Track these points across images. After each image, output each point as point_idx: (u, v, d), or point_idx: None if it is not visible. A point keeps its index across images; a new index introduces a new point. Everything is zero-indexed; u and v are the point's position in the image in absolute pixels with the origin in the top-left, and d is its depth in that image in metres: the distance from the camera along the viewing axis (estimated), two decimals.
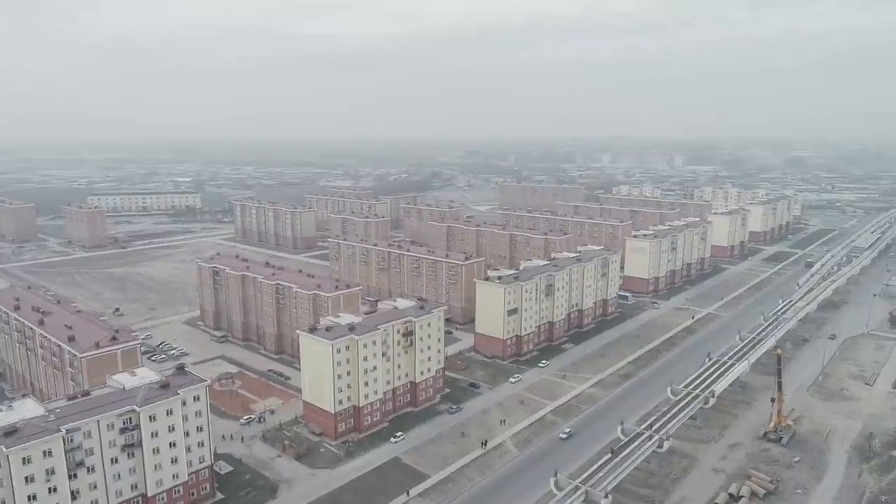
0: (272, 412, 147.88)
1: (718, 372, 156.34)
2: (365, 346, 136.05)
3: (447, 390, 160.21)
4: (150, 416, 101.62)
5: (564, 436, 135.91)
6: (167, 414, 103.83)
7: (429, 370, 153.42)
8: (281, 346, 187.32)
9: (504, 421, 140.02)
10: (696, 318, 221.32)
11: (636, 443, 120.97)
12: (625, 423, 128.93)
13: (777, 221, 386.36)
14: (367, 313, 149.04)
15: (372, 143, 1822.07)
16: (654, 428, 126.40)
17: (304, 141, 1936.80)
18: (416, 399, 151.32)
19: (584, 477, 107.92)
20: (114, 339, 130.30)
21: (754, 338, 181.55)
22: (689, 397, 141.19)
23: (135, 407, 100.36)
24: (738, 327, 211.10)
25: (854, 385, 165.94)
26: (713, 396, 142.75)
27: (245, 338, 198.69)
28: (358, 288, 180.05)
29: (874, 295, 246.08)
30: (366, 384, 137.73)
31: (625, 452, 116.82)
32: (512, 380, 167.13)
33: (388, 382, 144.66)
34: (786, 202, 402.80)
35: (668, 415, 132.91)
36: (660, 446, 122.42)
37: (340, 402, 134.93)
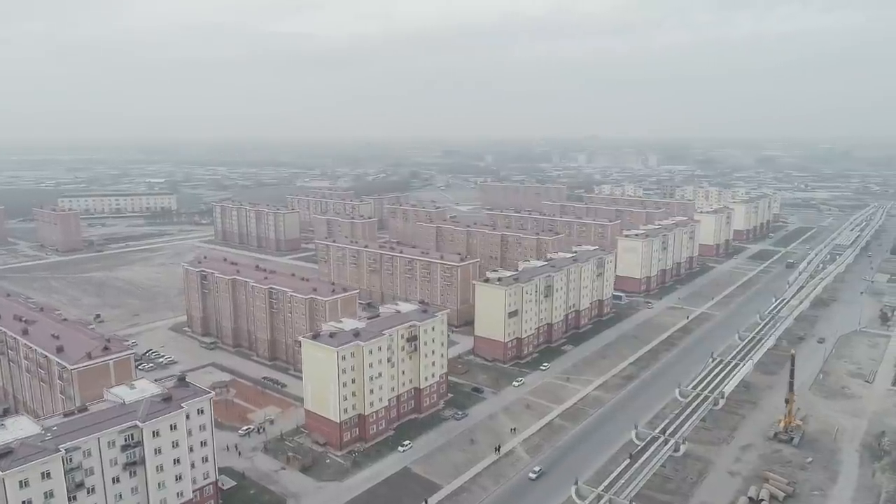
0: (271, 422, 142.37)
1: (724, 372, 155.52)
2: (370, 352, 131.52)
3: (450, 395, 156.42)
4: (153, 432, 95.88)
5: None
6: (171, 429, 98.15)
7: (433, 375, 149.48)
8: (275, 353, 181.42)
9: (514, 429, 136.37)
10: (690, 318, 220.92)
11: (653, 447, 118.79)
12: (638, 427, 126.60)
13: (759, 220, 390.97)
14: (369, 318, 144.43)
15: (348, 142, 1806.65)
16: (668, 431, 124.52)
17: (279, 141, 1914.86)
18: (421, 405, 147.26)
19: (605, 484, 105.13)
20: (106, 349, 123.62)
21: (754, 337, 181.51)
22: (700, 399, 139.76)
23: (137, 422, 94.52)
24: (733, 326, 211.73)
25: (854, 383, 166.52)
26: (723, 397, 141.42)
27: (236, 344, 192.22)
28: (355, 291, 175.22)
29: (861, 293, 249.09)
30: (371, 392, 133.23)
31: (643, 458, 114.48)
32: (515, 383, 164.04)
33: (393, 389, 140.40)
34: (766, 201, 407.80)
35: (681, 417, 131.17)
36: (676, 450, 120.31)
37: (345, 410, 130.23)
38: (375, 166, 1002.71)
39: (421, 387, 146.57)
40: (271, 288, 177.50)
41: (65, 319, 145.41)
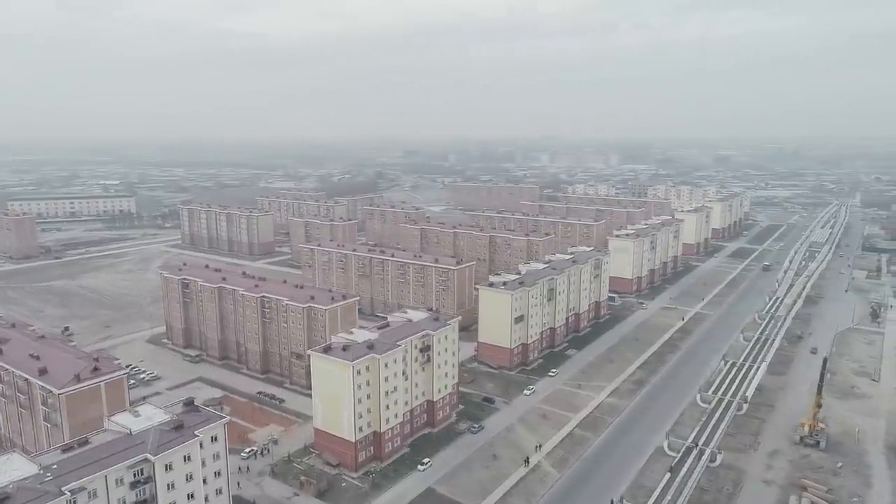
0: (275, 442, 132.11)
1: (741, 375, 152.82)
2: (386, 365, 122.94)
3: (461, 407, 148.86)
4: (165, 466, 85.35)
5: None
6: (184, 461, 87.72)
7: (446, 387, 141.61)
8: (267, 365, 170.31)
9: (539, 446, 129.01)
10: (686, 319, 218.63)
11: (690, 459, 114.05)
12: (670, 437, 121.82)
13: (732, 218, 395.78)
14: (380, 328, 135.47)
15: (307, 143, 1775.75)
16: (701, 441, 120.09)
17: (235, 141, 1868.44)
18: (434, 419, 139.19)
19: (651, 502, 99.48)
20: (95, 369, 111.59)
21: (759, 337, 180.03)
22: (723, 404, 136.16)
23: (147, 455, 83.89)
24: (731, 326, 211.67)
25: (861, 382, 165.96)
26: (746, 402, 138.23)
27: (223, 357, 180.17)
28: (355, 298, 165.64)
29: (845, 291, 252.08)
30: (387, 407, 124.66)
31: (683, 471, 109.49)
32: (526, 392, 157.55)
33: (406, 403, 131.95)
34: (739, 199, 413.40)
35: (711, 425, 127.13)
36: (712, 460, 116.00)
37: (360, 428, 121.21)
38: (338, 167, 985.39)
39: (434, 399, 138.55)
40: (264, 296, 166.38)
41: (42, 337, 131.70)
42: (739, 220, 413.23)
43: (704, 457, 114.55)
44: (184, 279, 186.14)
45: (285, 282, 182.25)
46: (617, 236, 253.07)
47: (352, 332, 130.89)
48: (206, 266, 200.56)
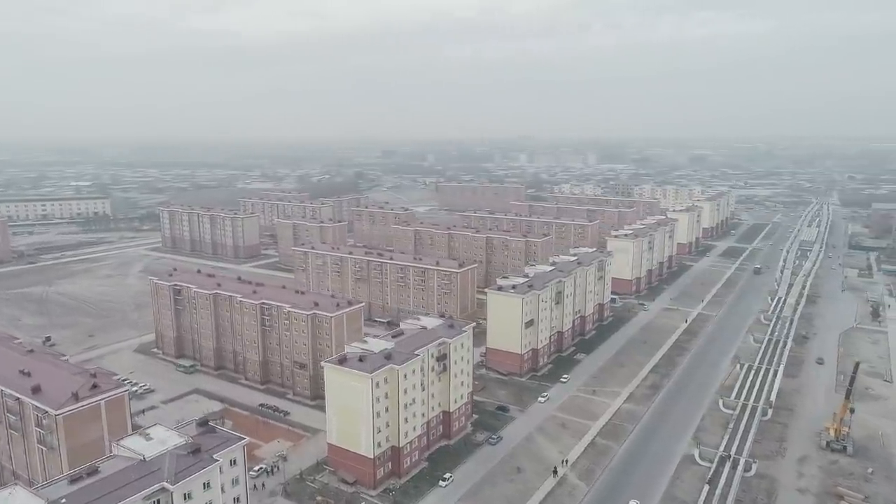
0: (284, 458, 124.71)
1: (759, 379, 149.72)
2: (405, 376, 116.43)
3: (475, 416, 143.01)
4: (184, 495, 77.78)
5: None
6: (204, 488, 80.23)
7: (461, 397, 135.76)
8: (267, 375, 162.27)
9: (567, 461, 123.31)
10: (689, 320, 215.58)
11: (725, 469, 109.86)
12: (700, 446, 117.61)
13: (720, 217, 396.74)
14: (394, 336, 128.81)
15: (283, 143, 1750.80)
16: (732, 449, 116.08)
17: (209, 141, 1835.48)
18: (450, 431, 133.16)
19: None
20: (95, 386, 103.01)
21: (770, 339, 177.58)
22: (748, 410, 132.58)
23: (165, 484, 76.27)
24: (735, 327, 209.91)
25: (875, 383, 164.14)
26: (771, 407, 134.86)
27: (218, 366, 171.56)
28: (361, 305, 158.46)
29: (842, 290, 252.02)
30: (406, 420, 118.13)
31: (721, 482, 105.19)
32: (541, 399, 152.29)
33: (423, 415, 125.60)
34: (725, 198, 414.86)
35: (739, 432, 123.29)
36: (747, 470, 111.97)
37: (379, 444, 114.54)
38: (316, 167, 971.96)
39: (450, 410, 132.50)
40: (264, 303, 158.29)
41: (31, 351, 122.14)
42: (726, 220, 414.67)
43: (740, 467, 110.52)
44: (175, 285, 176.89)
45: (284, 287, 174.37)
46: (616, 237, 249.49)
47: (366, 342, 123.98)
48: (198, 271, 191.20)
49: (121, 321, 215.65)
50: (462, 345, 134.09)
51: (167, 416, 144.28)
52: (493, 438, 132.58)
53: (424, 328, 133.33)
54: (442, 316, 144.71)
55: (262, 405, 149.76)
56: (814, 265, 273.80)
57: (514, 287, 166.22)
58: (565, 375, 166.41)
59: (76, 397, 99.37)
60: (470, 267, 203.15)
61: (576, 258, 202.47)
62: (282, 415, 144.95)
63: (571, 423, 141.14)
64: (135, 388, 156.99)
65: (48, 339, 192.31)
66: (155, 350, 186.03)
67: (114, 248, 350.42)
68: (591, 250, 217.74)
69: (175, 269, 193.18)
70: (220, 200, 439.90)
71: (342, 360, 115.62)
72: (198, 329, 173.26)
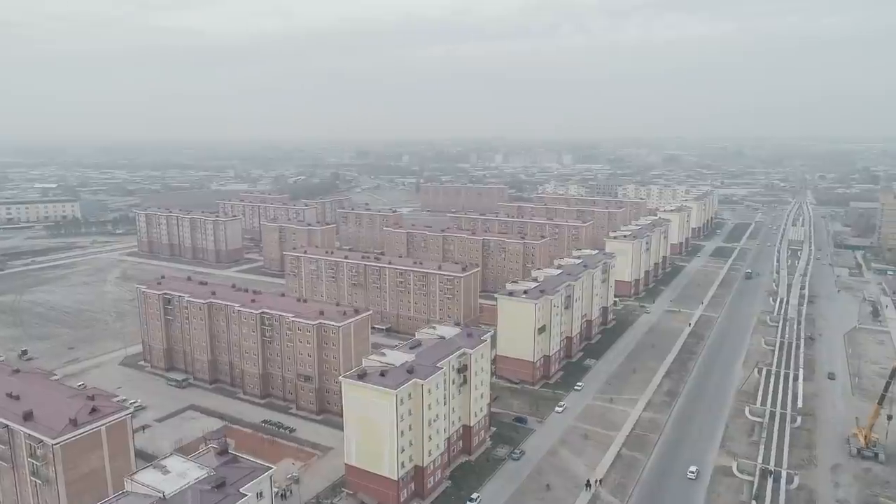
0: (296, 480, 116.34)
1: (780, 384, 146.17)
2: (429, 391, 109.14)
3: (493, 429, 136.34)
4: None
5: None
6: None
7: (481, 410, 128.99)
8: (267, 389, 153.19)
9: (600, 481, 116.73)
10: (693, 323, 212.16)
11: (769, 483, 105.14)
12: (739, 459, 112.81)
13: (706, 217, 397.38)
14: (412, 347, 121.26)
15: (254, 143, 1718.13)
16: (771, 461, 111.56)
17: (176, 141, 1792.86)
18: (471, 446, 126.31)
19: None
20: (94, 410, 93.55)
21: (783, 342, 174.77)
22: (777, 417, 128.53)
23: None
24: (741, 329, 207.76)
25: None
26: (799, 414, 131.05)
27: (213, 380, 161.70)
28: (368, 313, 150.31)
29: (837, 291, 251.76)
30: (429, 438, 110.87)
31: (768, 498, 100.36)
32: (557, 409, 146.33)
33: (445, 431, 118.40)
34: (710, 198, 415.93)
35: (774, 442, 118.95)
36: (790, 482, 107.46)
37: (402, 464, 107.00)
38: (290, 168, 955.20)
39: (471, 424, 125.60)
40: (264, 313, 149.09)
41: (17, 371, 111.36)
42: (710, 219, 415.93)
43: (783, 480, 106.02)
44: (166, 294, 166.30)
45: (283, 295, 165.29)
46: (614, 238, 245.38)
47: (384, 354, 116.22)
48: (189, 278, 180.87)
49: (102, 332, 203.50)
50: (482, 355, 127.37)
51: (163, 436, 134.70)
52: (516, 453, 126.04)
53: (442, 338, 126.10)
54: (457, 324, 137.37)
55: (265, 422, 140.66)
56: (807, 265, 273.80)
57: (525, 292, 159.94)
58: (579, 383, 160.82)
59: (74, 424, 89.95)
60: (473, 271, 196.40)
61: (581, 261, 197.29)
62: (287, 432, 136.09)
63: (594, 434, 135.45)
64: (127, 407, 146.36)
65: (24, 352, 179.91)
66: (142, 363, 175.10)
67: (87, 253, 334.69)
68: (594, 252, 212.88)
69: (163, 277, 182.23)
70: (195, 203, 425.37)
71: (362, 375, 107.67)
72: (190, 340, 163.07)
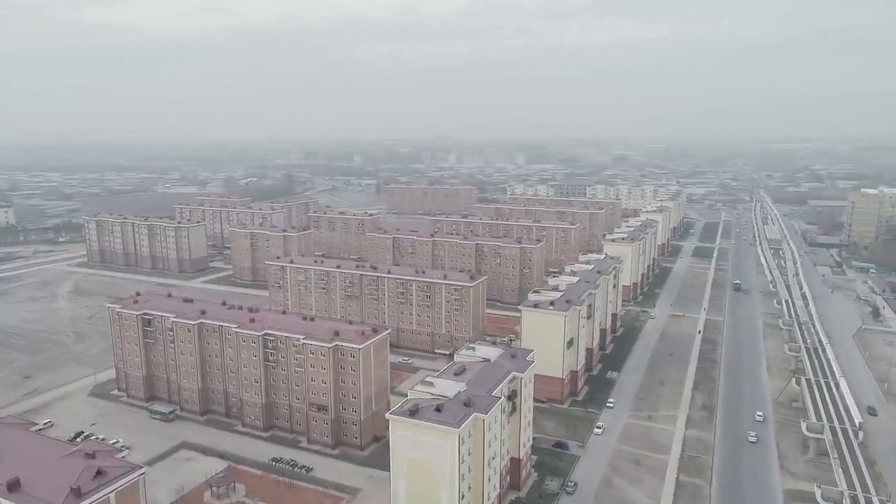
0: None
1: (826, 394, 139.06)
2: (489, 426, 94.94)
3: (535, 458, 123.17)
4: None
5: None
6: None
7: (529, 439, 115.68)
8: (271, 420, 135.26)
9: None
10: (701, 329, 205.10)
11: None
12: (822, 486, 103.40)
13: (678, 217, 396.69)
14: (456, 374, 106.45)
15: (197, 144, 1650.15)
16: (856, 486, 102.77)
17: (113, 142, 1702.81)
18: (519, 480, 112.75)
19: None
20: (100, 473, 75.03)
21: (808, 348, 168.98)
22: (839, 434, 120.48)
23: None
24: (751, 332, 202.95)
25: None
26: (860, 429, 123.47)
27: (204, 410, 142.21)
28: (387, 332, 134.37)
29: (831, 291, 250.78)
30: (488, 479, 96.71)
31: None
32: (597, 430, 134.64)
33: (497, 468, 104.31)
34: (682, 198, 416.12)
35: (849, 463, 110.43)
36: None
37: None
38: (237, 169, 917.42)
39: (519, 456, 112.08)
40: (267, 334, 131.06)
41: None
42: (682, 220, 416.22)
43: None
44: (146, 314, 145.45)
45: (284, 312, 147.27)
46: (613, 241, 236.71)
47: (431, 383, 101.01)
48: (169, 295, 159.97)
49: (62, 356, 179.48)
50: (531, 379, 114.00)
51: (157, 482, 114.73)
52: (570, 486, 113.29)
53: (487, 360, 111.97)
54: (495, 343, 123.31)
55: (274, 460, 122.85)
56: (795, 264, 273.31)
57: (552, 303, 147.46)
58: (610, 400, 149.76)
59: (78, 494, 71.34)
60: (481, 279, 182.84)
61: (593, 266, 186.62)
62: (304, 471, 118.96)
63: (644, 459, 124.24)
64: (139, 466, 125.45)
65: None
66: (117, 392, 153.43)
67: (29, 264, 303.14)
68: (601, 257, 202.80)
69: (139, 294, 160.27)
70: (144, 207, 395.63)
71: (414, 412, 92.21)
72: (176, 366, 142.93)
